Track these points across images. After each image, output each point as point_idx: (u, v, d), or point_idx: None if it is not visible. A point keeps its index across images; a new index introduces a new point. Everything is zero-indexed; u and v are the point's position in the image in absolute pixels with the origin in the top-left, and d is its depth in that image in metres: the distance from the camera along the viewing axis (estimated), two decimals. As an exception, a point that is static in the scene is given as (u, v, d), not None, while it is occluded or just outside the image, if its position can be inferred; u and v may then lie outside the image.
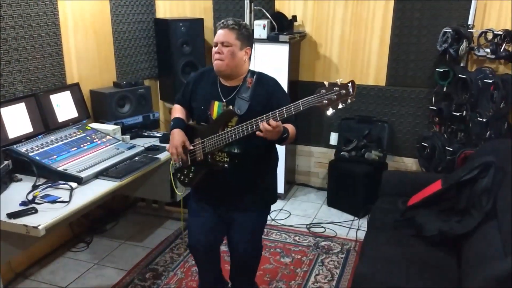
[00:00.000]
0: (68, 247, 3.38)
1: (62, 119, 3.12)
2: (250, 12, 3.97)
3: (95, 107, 3.50)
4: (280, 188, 4.19)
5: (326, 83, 1.95)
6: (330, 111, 1.95)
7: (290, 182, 4.47)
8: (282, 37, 3.78)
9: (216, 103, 2.26)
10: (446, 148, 3.64)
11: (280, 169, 4.09)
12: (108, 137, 3.11)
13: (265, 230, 3.61)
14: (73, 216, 2.42)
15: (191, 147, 2.28)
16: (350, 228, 3.73)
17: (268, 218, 3.78)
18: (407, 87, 4.00)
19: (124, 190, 3.35)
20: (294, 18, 4.06)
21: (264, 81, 2.27)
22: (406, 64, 3.96)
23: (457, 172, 2.72)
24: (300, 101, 1.96)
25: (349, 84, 1.91)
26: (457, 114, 3.61)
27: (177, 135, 2.29)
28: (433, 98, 3.84)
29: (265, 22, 3.85)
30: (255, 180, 2.32)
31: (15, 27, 2.85)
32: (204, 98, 2.30)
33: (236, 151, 2.23)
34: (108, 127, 3.22)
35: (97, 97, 3.47)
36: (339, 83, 1.93)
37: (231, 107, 2.20)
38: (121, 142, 3.11)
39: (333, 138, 4.31)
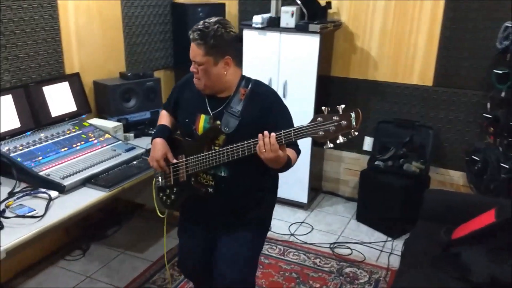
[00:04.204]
0: (62, 255, 3.06)
1: (56, 114, 2.80)
2: (278, -4, 3.50)
3: (98, 100, 3.15)
4: (303, 197, 3.76)
5: (324, 109, 1.63)
6: (327, 145, 1.63)
7: (315, 189, 4.01)
8: (312, 27, 3.29)
9: (203, 117, 1.96)
10: (501, 164, 3.08)
11: (305, 174, 3.68)
12: (106, 135, 2.77)
13: (282, 248, 3.22)
14: (47, 232, 2.05)
15: (174, 160, 2.01)
16: (381, 251, 3.24)
17: (287, 232, 3.44)
18: (458, 88, 3.47)
19: (122, 195, 3.00)
20: (329, 4, 3.56)
21: (260, 93, 1.92)
22: (458, 62, 3.42)
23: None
24: (292, 129, 1.67)
25: (351, 114, 1.59)
26: (517, 125, 3.05)
27: (158, 146, 2.02)
28: (489, 103, 3.29)
29: (293, 8, 3.37)
30: (244, 207, 2.00)
31: (1, 9, 2.50)
32: (189, 110, 2.01)
33: (223, 174, 1.93)
34: (109, 124, 2.88)
35: (100, 89, 3.11)
36: (340, 111, 1.60)
37: (218, 122, 1.88)
38: (120, 142, 2.75)
39: (368, 143, 3.83)
